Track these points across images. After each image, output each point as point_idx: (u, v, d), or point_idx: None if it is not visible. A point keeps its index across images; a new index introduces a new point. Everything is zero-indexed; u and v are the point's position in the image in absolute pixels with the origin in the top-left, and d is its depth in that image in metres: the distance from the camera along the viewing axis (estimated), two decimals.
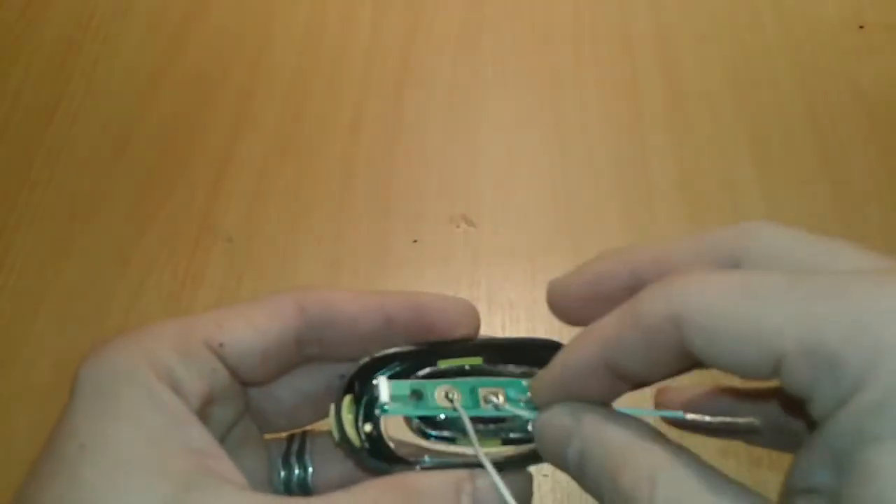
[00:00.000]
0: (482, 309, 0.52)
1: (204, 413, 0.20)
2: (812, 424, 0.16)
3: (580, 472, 0.19)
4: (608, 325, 0.19)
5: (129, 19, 0.67)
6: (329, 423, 0.22)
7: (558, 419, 0.20)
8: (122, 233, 0.56)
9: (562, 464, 0.20)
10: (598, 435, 0.19)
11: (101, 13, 0.68)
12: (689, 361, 0.18)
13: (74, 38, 0.66)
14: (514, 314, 0.52)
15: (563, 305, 0.22)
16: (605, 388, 0.20)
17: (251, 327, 0.21)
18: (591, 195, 0.56)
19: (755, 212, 0.55)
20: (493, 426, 0.23)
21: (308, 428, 0.25)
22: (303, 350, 0.23)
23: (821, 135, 0.58)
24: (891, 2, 0.64)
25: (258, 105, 0.62)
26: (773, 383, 0.17)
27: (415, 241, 0.55)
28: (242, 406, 0.23)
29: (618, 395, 0.20)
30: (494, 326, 0.51)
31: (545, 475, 0.44)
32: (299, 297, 0.22)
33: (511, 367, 0.24)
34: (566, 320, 0.22)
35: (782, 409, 0.22)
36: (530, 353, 0.24)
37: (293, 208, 0.57)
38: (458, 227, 0.55)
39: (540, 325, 0.51)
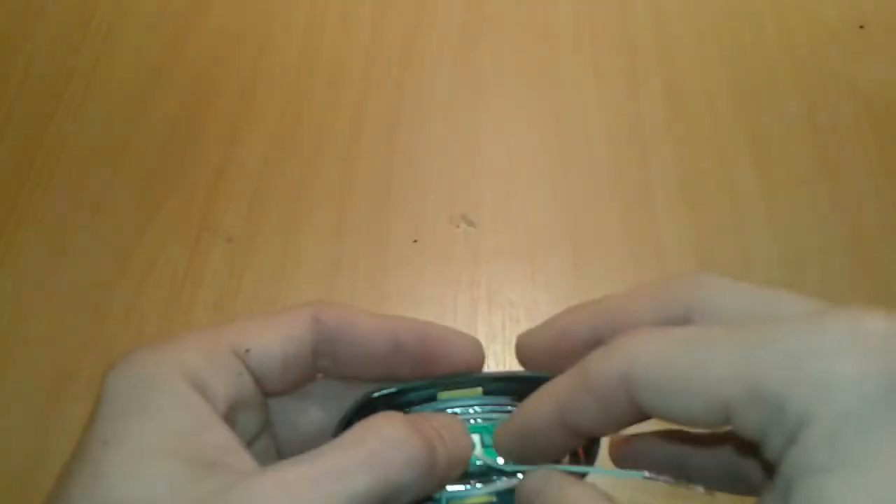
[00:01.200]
0: (482, 309, 0.52)
1: (229, 419, 0.20)
2: (768, 466, 0.17)
3: None
4: (561, 385, 0.20)
5: (129, 19, 0.67)
6: None
7: (530, 482, 0.22)
8: (121, 233, 0.56)
9: None
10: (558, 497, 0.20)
11: (101, 13, 0.68)
12: (641, 415, 0.19)
13: (74, 38, 0.66)
14: (513, 314, 0.52)
15: (530, 358, 0.24)
16: (560, 441, 0.21)
17: (275, 334, 0.22)
18: (591, 195, 0.56)
19: (755, 212, 0.55)
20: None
21: None
22: (317, 361, 0.23)
23: (821, 135, 0.58)
24: (891, 2, 0.64)
25: (258, 105, 0.62)
26: (725, 428, 0.18)
27: (415, 241, 0.55)
28: (264, 419, 0.23)
29: (573, 447, 0.22)
30: (494, 326, 0.51)
31: None
32: (317, 310, 0.23)
33: (505, 399, 0.25)
34: (530, 365, 0.24)
35: (737, 453, 0.22)
36: (525, 387, 0.24)
37: (293, 208, 0.57)
38: (458, 227, 0.55)
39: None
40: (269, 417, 0.23)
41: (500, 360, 0.50)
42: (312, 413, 0.24)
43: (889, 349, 0.16)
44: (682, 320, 0.20)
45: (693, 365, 0.17)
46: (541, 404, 0.21)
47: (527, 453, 0.22)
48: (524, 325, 0.51)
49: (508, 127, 0.60)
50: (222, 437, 0.19)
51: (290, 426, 0.24)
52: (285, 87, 0.63)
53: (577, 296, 0.52)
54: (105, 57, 0.65)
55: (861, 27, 0.63)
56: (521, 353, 0.24)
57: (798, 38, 0.63)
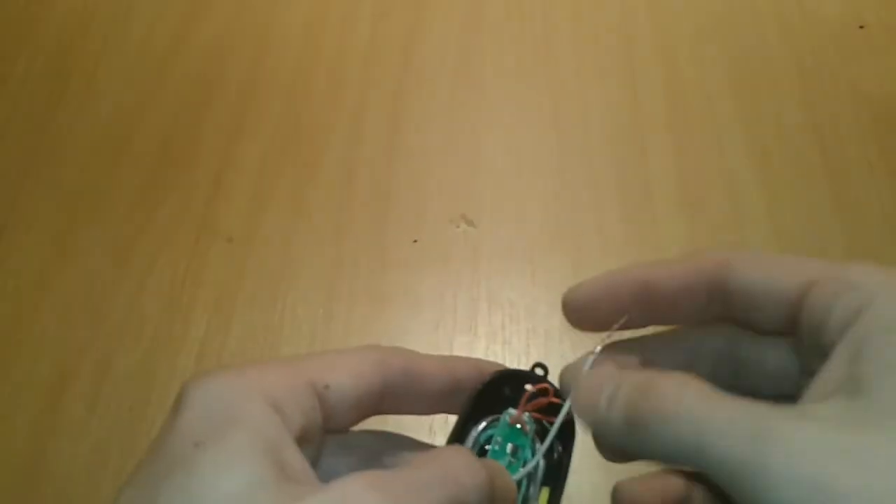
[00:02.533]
0: (482, 309, 0.52)
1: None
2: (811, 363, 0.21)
3: (608, 406, 0.22)
4: (660, 261, 0.24)
5: (129, 19, 0.68)
6: None
7: (598, 372, 0.23)
8: (121, 233, 0.56)
9: (595, 412, 0.22)
10: (627, 371, 0.22)
11: (102, 13, 0.68)
12: (715, 306, 0.23)
13: (74, 38, 0.66)
14: (514, 314, 0.52)
15: (577, 310, 0.25)
16: (638, 303, 0.24)
17: (350, 375, 0.23)
18: (591, 195, 0.56)
19: (755, 212, 0.55)
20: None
21: None
22: (383, 404, 0.24)
23: (821, 135, 0.58)
24: (891, 2, 0.64)
25: (258, 105, 0.62)
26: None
27: (415, 241, 0.55)
28: (318, 454, 0.24)
29: (638, 325, 0.24)
30: (494, 326, 0.51)
31: None
32: (383, 353, 0.24)
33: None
34: (576, 319, 0.25)
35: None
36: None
37: (293, 208, 0.57)
38: (458, 227, 0.55)
39: (539, 324, 0.51)
40: (320, 452, 0.24)
41: (500, 359, 0.50)
42: (344, 460, 0.25)
43: None
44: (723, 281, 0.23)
45: (787, 259, 0.22)
46: (634, 267, 0.24)
47: (599, 309, 0.24)
48: (524, 325, 0.51)
49: (508, 127, 0.60)
50: (298, 459, 0.20)
51: (327, 473, 0.25)
52: (285, 87, 0.63)
53: None
54: (105, 57, 0.65)
55: (861, 27, 0.63)
56: (569, 306, 0.25)
57: (798, 38, 0.63)
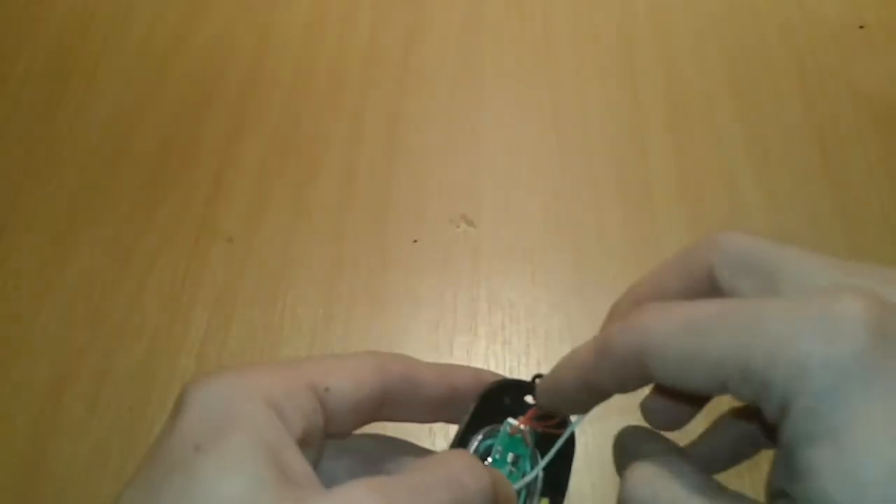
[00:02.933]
0: (482, 309, 0.52)
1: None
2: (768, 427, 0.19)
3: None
4: (584, 353, 0.23)
5: (129, 19, 0.68)
6: None
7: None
8: (122, 233, 0.56)
9: None
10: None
11: (101, 13, 0.68)
12: (651, 379, 0.22)
13: (74, 38, 0.66)
14: (514, 314, 0.52)
15: (548, 401, 0.25)
16: (583, 397, 0.23)
17: (350, 379, 0.23)
18: (591, 195, 0.56)
19: (755, 212, 0.55)
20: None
21: None
22: (382, 409, 0.24)
23: (821, 135, 0.58)
24: (891, 2, 0.64)
25: (258, 105, 0.62)
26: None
27: (415, 241, 0.55)
28: (318, 458, 0.24)
29: (597, 403, 0.24)
30: (494, 326, 0.51)
31: None
32: (383, 359, 0.24)
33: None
34: (553, 406, 0.26)
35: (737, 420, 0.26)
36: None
37: (293, 208, 0.57)
38: (458, 227, 0.55)
39: (539, 324, 0.51)
40: (320, 456, 0.24)
41: (500, 359, 0.50)
42: (344, 463, 0.25)
43: (857, 329, 0.17)
44: (708, 285, 0.22)
45: (693, 347, 0.19)
46: (566, 368, 0.24)
47: (559, 406, 0.25)
48: (524, 325, 0.51)
49: (508, 127, 0.60)
50: (300, 462, 0.20)
51: (326, 476, 0.25)
52: (285, 87, 0.63)
53: (576, 296, 0.52)
54: (105, 57, 0.65)
55: (861, 27, 0.63)
56: (542, 399, 0.26)
57: (798, 38, 0.63)
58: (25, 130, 0.61)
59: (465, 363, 0.49)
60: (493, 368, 0.49)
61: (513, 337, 0.51)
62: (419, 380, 0.24)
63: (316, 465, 0.24)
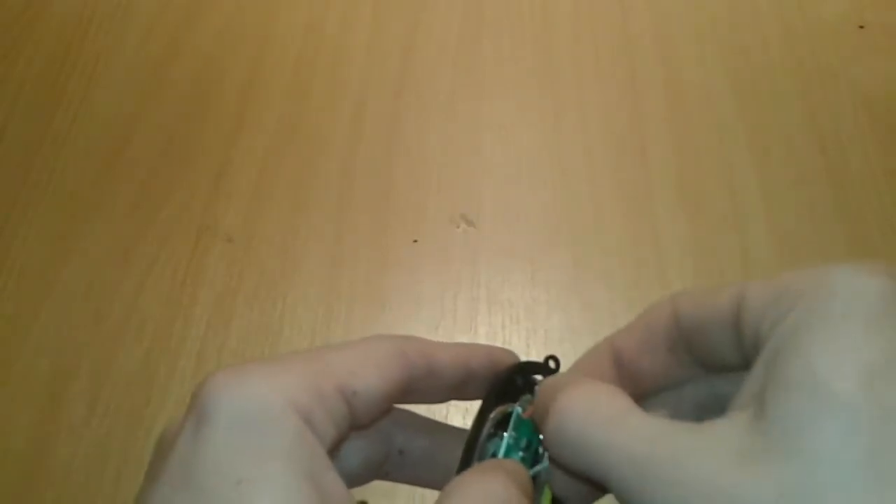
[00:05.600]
0: (482, 309, 0.52)
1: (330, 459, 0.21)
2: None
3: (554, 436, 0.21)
4: (619, 330, 0.24)
5: (129, 19, 0.68)
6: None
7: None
8: (122, 233, 0.56)
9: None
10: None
11: (101, 13, 0.68)
12: (682, 356, 0.23)
13: (74, 38, 0.66)
14: (513, 314, 0.52)
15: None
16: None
17: (379, 377, 0.22)
18: (590, 195, 0.56)
19: (755, 212, 0.55)
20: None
21: (362, 498, 0.26)
22: (403, 399, 0.24)
23: (821, 135, 0.58)
24: (891, 2, 0.64)
25: (258, 105, 0.62)
26: None
27: (415, 241, 0.55)
28: (338, 453, 0.23)
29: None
30: (494, 326, 0.51)
31: None
32: (403, 347, 0.23)
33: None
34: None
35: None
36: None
37: (293, 208, 0.57)
38: (458, 227, 0.55)
39: (539, 324, 0.51)
40: (340, 451, 0.24)
41: None
42: (357, 444, 0.25)
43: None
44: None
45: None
46: (598, 346, 0.24)
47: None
48: (524, 325, 0.51)
49: (508, 127, 0.60)
50: (335, 483, 0.19)
51: (340, 458, 0.24)
52: (285, 86, 0.63)
53: (576, 296, 0.52)
54: (105, 57, 0.65)
55: (861, 27, 0.63)
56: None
57: (798, 38, 0.63)
58: (25, 130, 0.61)
59: None
60: None
61: (513, 337, 0.51)
62: (438, 364, 0.24)
63: (334, 458, 0.23)
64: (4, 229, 0.56)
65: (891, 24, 0.63)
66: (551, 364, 0.26)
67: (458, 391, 0.25)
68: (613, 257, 0.53)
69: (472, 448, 0.24)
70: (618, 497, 0.18)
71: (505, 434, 0.24)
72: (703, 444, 0.17)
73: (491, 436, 0.24)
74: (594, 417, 0.19)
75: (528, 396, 0.26)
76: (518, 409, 0.25)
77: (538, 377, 0.26)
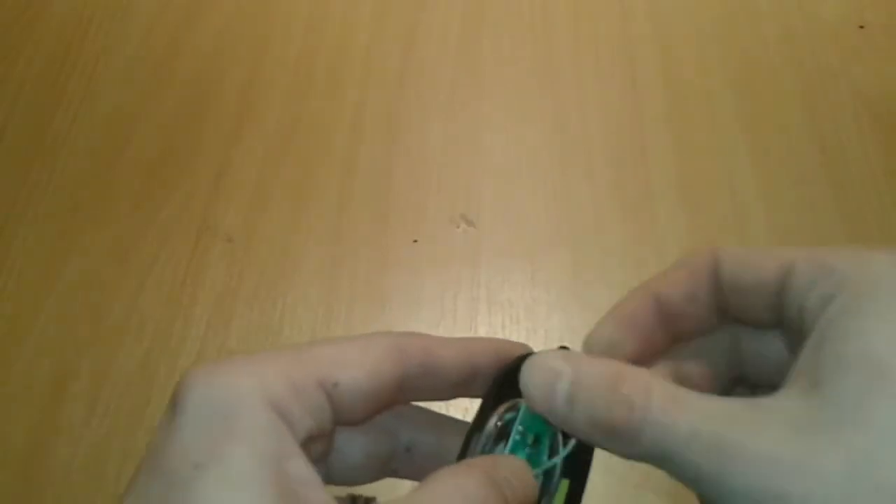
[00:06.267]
0: (482, 309, 0.52)
1: (305, 449, 0.20)
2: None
3: (569, 404, 0.21)
4: (658, 276, 0.24)
5: (129, 19, 0.68)
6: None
7: (549, 361, 0.22)
8: (122, 233, 0.56)
9: (550, 403, 0.22)
10: (591, 363, 0.22)
11: (101, 13, 0.68)
12: (719, 290, 0.23)
13: (74, 38, 0.66)
14: (513, 314, 0.52)
15: (600, 350, 0.24)
16: (649, 325, 0.24)
17: (362, 368, 0.21)
18: (590, 195, 0.56)
19: (755, 212, 0.55)
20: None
21: (371, 494, 0.25)
22: (400, 396, 0.23)
23: (821, 135, 0.58)
24: (891, 2, 0.64)
25: (258, 105, 0.62)
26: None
27: (415, 241, 0.55)
28: (328, 447, 0.23)
29: (662, 348, 0.24)
30: (494, 326, 0.51)
31: None
32: (400, 342, 0.23)
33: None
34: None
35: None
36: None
37: (293, 208, 0.57)
38: (458, 227, 0.55)
39: (539, 324, 0.51)
40: (332, 444, 0.23)
41: None
42: (358, 439, 0.24)
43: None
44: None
45: (769, 250, 0.22)
46: (637, 291, 0.24)
47: (617, 342, 0.24)
48: (524, 325, 0.51)
49: (508, 127, 0.60)
50: (303, 469, 0.19)
51: (342, 452, 0.24)
52: (285, 87, 0.63)
53: (576, 296, 0.52)
54: (105, 57, 0.65)
55: (861, 27, 0.63)
56: (593, 352, 0.25)
57: (798, 38, 0.63)
58: (25, 130, 0.61)
59: None
60: None
61: (513, 337, 0.51)
62: (439, 361, 0.23)
63: (328, 453, 0.23)
64: (4, 229, 0.56)
65: (891, 24, 0.63)
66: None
67: (464, 388, 0.24)
68: (613, 257, 0.53)
69: (468, 445, 0.23)
70: (680, 475, 0.19)
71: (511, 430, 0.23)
72: (764, 418, 0.18)
73: (501, 431, 0.24)
74: (657, 402, 0.20)
75: None
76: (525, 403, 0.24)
77: None
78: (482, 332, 0.51)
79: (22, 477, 0.46)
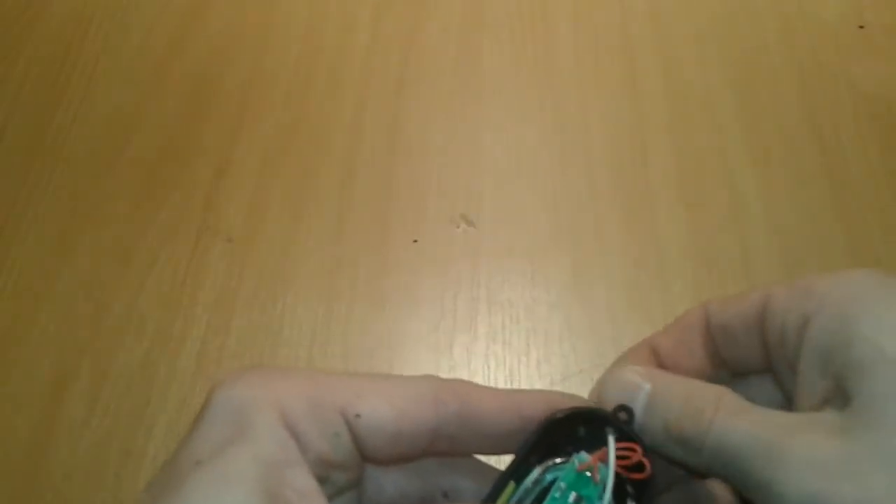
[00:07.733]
0: (482, 309, 0.52)
1: (320, 472, 0.21)
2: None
3: (646, 414, 0.23)
4: (658, 332, 0.25)
5: (129, 19, 0.68)
6: None
7: (629, 375, 0.24)
8: (122, 233, 0.56)
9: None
10: (666, 378, 0.23)
11: (101, 13, 0.68)
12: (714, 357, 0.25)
13: (74, 38, 0.66)
14: (513, 314, 0.52)
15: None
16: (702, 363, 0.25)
17: (390, 406, 0.21)
18: (590, 195, 0.56)
19: (755, 212, 0.55)
20: None
21: None
22: (435, 444, 0.23)
23: (821, 135, 0.58)
24: (891, 2, 0.64)
25: (258, 105, 0.62)
26: None
27: (415, 241, 0.55)
28: (356, 478, 0.23)
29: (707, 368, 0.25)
30: (494, 326, 0.51)
31: None
32: (437, 388, 0.22)
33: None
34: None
35: None
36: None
37: (293, 208, 0.57)
38: (458, 227, 0.55)
39: (539, 324, 0.51)
40: (362, 477, 0.23)
41: (500, 359, 0.50)
42: (392, 475, 0.24)
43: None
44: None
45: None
46: (637, 347, 0.25)
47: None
48: (524, 325, 0.51)
49: (508, 127, 0.60)
50: (303, 480, 0.19)
51: (377, 485, 0.24)
52: (285, 87, 0.63)
53: (576, 296, 0.52)
54: (105, 57, 0.65)
55: (861, 27, 0.63)
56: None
57: (798, 38, 0.63)
58: (25, 130, 0.61)
59: (464, 363, 0.50)
60: (492, 368, 0.49)
61: (513, 337, 0.51)
62: (479, 412, 0.22)
63: (354, 485, 0.23)
64: (4, 229, 0.56)
65: (891, 24, 0.63)
66: (622, 416, 0.23)
67: (511, 442, 0.23)
68: (614, 257, 0.53)
69: (497, 493, 0.22)
70: (739, 482, 0.20)
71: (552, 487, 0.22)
72: (809, 425, 0.20)
73: (539, 484, 0.22)
74: (722, 412, 0.21)
75: (583, 455, 0.23)
76: (577, 459, 0.22)
77: (610, 437, 0.23)
78: (482, 332, 0.51)
79: (22, 477, 0.46)
